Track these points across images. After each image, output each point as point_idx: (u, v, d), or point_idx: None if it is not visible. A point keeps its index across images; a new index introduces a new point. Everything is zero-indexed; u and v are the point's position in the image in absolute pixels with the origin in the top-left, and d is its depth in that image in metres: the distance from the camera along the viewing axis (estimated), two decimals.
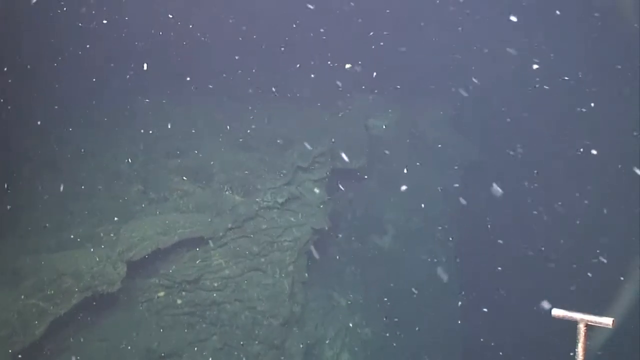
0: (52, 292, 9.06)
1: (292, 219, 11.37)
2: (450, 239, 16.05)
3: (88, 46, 14.25)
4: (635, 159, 14.66)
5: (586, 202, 16.26)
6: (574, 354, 3.23)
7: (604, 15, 15.93)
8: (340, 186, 14.56)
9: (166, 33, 14.75)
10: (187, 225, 10.34)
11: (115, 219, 11.09)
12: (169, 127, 14.30)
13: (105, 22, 14.29)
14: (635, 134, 15.49)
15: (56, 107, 13.99)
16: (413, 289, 14.94)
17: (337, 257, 14.67)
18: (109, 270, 9.52)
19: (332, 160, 13.04)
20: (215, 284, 10.58)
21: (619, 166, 15.55)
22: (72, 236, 10.47)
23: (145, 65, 14.58)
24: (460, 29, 16.53)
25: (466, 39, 16.60)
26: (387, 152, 15.75)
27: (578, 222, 16.30)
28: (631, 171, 14.53)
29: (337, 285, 14.09)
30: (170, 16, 14.66)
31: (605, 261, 14.80)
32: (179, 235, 10.21)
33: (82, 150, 13.98)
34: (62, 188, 12.60)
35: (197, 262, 10.58)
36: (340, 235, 14.72)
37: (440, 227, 15.90)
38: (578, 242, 16.00)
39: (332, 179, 13.89)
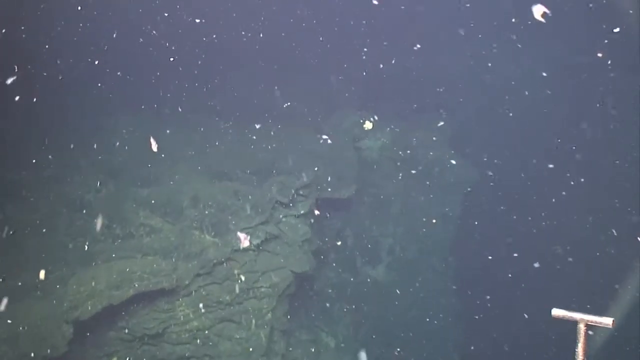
0: None
1: (270, 262, 10.09)
2: (450, 268, 14.95)
3: (55, 65, 13.28)
4: (636, 161, 14.03)
5: (591, 225, 15.13)
6: (574, 354, 3.19)
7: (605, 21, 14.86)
8: (328, 214, 13.40)
9: (139, 51, 13.66)
10: (145, 276, 9.05)
11: (71, 262, 9.82)
12: (141, 151, 13.18)
13: (73, 41, 13.25)
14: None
15: (19, 126, 12.91)
16: (409, 324, 14.02)
17: (326, 292, 13.59)
18: (53, 332, 8.24)
19: (317, 190, 11.76)
20: (182, 337, 9.32)
21: (622, 173, 14.76)
22: (18, 284, 9.18)
23: (116, 85, 13.61)
24: (458, 41, 15.40)
25: (464, 53, 15.48)
26: (380, 175, 14.65)
27: (585, 248, 15.18)
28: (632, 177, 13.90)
29: (325, 324, 12.95)
30: (144, 33, 13.57)
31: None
32: (134, 290, 8.91)
33: (46, 175, 12.92)
34: (18, 220, 11.44)
35: (161, 312, 9.29)
36: (329, 268, 13.62)
37: (438, 256, 14.76)
38: (582, 270, 14.87)
39: (318, 206, 12.70)
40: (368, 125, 13.44)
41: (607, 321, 3.16)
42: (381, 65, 15.54)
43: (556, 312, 3.31)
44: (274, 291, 9.84)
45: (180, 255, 9.73)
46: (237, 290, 9.64)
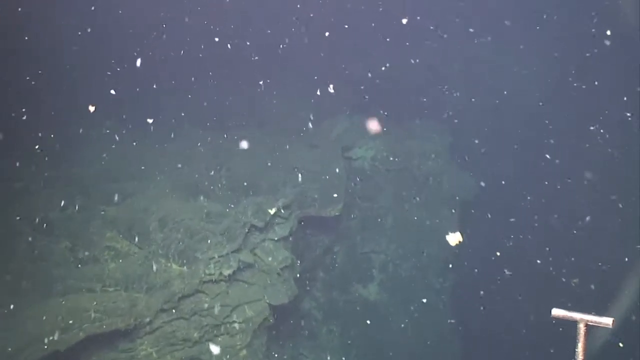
0: None
1: (244, 293, 9.16)
2: (447, 286, 14.19)
3: (29, 70, 12.64)
4: (635, 162, 13.54)
5: (592, 231, 14.37)
6: (574, 354, 3.23)
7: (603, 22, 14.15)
8: (315, 230, 12.59)
9: (117, 58, 12.95)
10: (99, 316, 8.12)
11: (24, 292, 8.94)
12: (114, 164, 12.40)
13: (46, 46, 12.70)
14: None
15: None
16: (403, 346, 13.26)
17: (312, 314, 12.82)
18: None
19: (300, 209, 10.87)
20: None
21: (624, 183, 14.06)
22: None
23: (92, 93, 12.88)
24: (456, 43, 14.65)
25: (464, 55, 14.69)
26: (372, 187, 13.91)
27: (585, 255, 14.45)
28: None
29: (310, 351, 12.21)
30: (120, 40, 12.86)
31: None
32: (84, 331, 7.99)
33: (13, 189, 12.15)
34: None
35: (120, 352, 8.40)
36: (316, 288, 12.84)
37: (434, 273, 13.98)
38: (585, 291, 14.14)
39: (303, 223, 11.85)
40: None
41: (607, 321, 3.17)
42: (375, 68, 14.84)
43: (556, 312, 3.34)
44: (248, 326, 8.93)
45: (143, 286, 8.82)
46: (207, 327, 8.74)
